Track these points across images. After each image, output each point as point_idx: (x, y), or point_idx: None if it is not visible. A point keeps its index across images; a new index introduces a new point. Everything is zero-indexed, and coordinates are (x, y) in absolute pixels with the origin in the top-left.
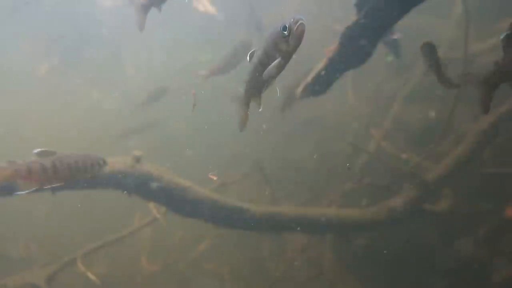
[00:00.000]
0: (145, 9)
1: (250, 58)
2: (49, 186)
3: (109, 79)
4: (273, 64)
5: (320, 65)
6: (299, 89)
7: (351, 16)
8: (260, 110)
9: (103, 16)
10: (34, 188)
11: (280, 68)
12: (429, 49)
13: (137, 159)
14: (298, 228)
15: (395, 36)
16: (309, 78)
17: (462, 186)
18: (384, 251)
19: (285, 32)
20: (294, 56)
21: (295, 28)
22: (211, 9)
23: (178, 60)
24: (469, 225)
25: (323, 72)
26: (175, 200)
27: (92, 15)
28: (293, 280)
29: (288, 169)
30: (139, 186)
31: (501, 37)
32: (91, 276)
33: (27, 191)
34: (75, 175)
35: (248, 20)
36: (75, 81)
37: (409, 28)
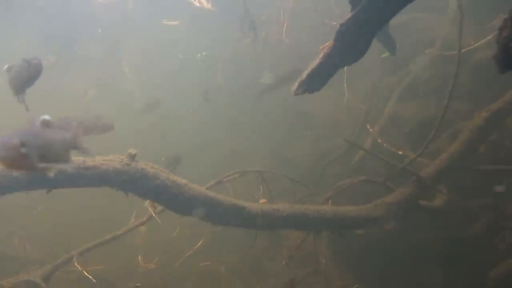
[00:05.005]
0: None
1: None
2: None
3: (105, 77)
4: None
5: (315, 62)
6: (294, 86)
7: (346, 12)
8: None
9: (98, 13)
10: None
11: None
12: None
13: (132, 157)
14: (294, 226)
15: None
16: (303, 75)
17: (458, 183)
18: (381, 247)
19: None
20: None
21: None
22: (206, 4)
23: (174, 57)
24: (465, 221)
25: (317, 69)
26: (171, 198)
27: (87, 11)
28: (288, 277)
29: (285, 166)
30: (135, 184)
31: None
32: (87, 274)
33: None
34: None
35: (241, 19)
36: (71, 78)
37: (405, 24)
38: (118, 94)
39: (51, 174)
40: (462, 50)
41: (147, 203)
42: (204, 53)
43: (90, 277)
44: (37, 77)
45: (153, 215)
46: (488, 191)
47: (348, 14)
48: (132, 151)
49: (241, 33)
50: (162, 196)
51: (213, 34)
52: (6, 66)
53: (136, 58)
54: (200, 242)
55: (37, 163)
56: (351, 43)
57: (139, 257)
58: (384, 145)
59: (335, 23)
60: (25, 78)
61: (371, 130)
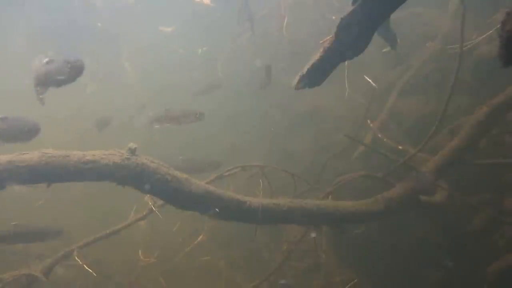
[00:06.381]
0: None
1: None
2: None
3: (105, 72)
4: None
5: (315, 56)
6: (294, 81)
7: (347, 6)
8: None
9: (98, 7)
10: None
11: None
12: None
13: (132, 151)
14: (295, 220)
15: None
16: (304, 70)
17: (458, 178)
18: (380, 242)
19: None
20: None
21: None
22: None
23: (175, 51)
24: (465, 216)
25: (318, 64)
26: (172, 193)
27: (87, 6)
28: (289, 271)
29: (286, 161)
30: (135, 178)
31: None
32: (87, 268)
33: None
34: None
35: (240, 11)
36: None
37: (406, 19)
38: (118, 88)
39: None
40: (463, 45)
41: (147, 197)
42: (204, 48)
43: (90, 270)
44: (74, 80)
45: (154, 209)
46: (488, 186)
47: (349, 8)
48: (132, 145)
49: (240, 26)
50: (162, 190)
51: (213, 29)
52: (46, 59)
53: (136, 52)
54: (201, 236)
55: None
56: (352, 37)
57: (140, 252)
58: (385, 140)
59: (334, 17)
60: (61, 77)
61: (371, 125)
